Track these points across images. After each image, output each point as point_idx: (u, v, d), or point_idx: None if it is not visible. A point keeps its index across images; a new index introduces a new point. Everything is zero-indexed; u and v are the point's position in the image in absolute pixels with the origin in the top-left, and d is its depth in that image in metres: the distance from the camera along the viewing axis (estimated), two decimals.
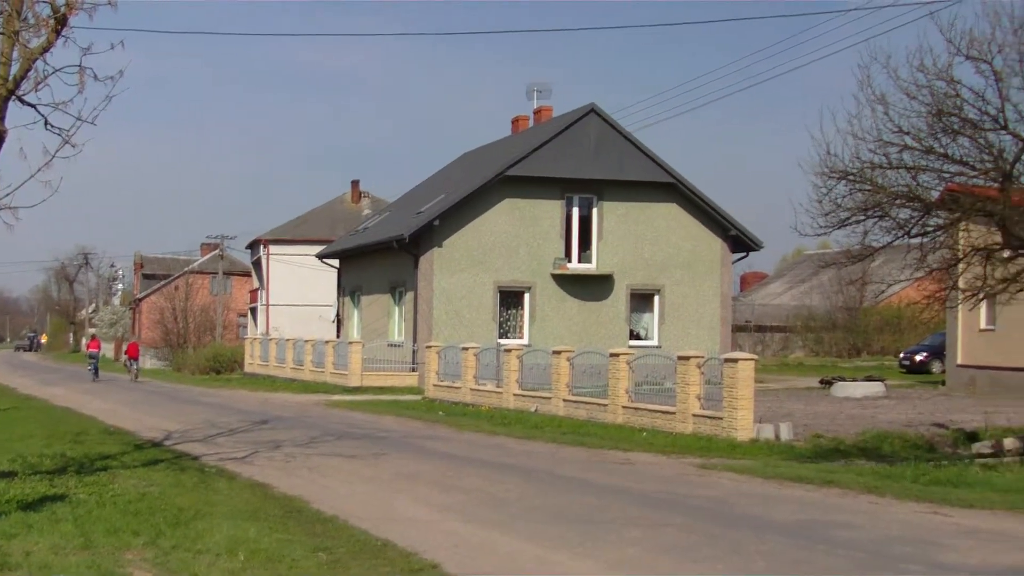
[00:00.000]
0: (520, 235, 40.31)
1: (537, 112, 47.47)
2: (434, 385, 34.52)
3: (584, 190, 40.82)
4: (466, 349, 32.75)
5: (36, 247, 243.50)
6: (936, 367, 44.46)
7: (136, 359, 55.04)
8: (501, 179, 39.86)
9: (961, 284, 18.76)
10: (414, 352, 40.01)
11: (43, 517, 11.98)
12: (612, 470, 18.04)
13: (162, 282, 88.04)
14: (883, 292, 55.38)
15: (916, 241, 18.00)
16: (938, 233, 17.99)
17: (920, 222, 17.52)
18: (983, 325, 34.71)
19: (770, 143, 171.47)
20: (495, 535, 12.05)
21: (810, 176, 17.75)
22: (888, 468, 17.46)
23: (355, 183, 75.86)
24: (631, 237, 41.29)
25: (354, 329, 47.55)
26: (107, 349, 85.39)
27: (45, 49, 13.55)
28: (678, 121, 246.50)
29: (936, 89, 16.58)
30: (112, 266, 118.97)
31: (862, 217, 17.55)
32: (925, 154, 16.93)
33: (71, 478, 15.30)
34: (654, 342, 40.29)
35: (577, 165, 40.18)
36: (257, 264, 75.44)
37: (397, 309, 43.07)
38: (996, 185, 16.79)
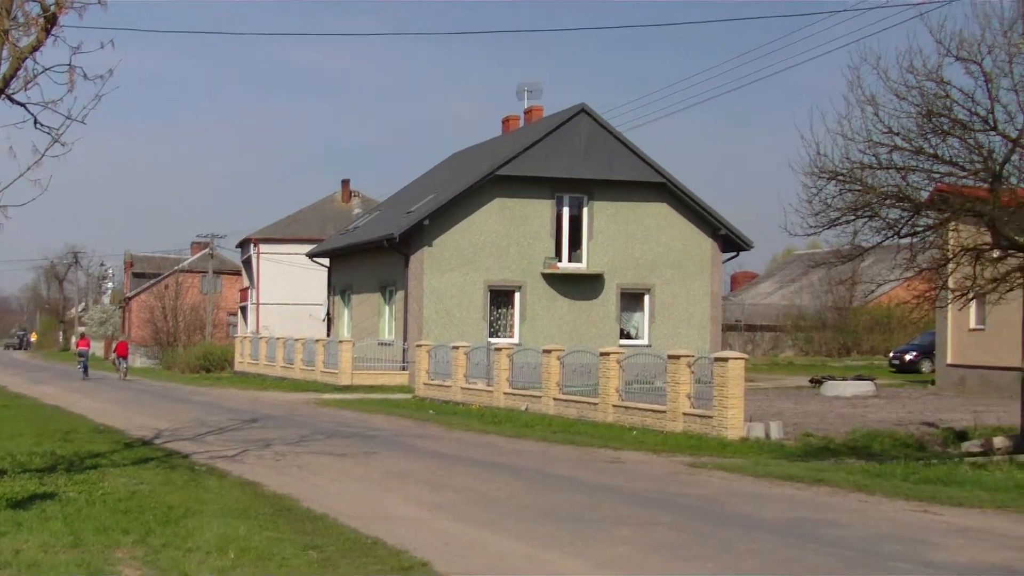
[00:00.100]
0: (510, 234, 40.31)
1: (527, 112, 47.46)
2: (424, 384, 34.51)
3: (574, 190, 40.85)
4: (457, 348, 32.75)
5: (26, 246, 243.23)
6: (926, 366, 44.57)
7: (125, 358, 54.93)
8: (491, 179, 39.86)
9: (951, 284, 18.82)
10: (404, 351, 40.00)
11: (33, 515, 11.95)
12: (602, 469, 18.05)
13: (152, 281, 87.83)
14: (873, 292, 55.53)
15: (906, 241, 18.07)
16: (928, 233, 18.05)
17: (910, 222, 17.57)
18: (972, 325, 34.78)
19: (760, 143, 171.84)
20: (485, 534, 12.06)
21: (800, 176, 17.84)
22: (878, 467, 17.50)
23: (345, 182, 75.88)
24: (621, 237, 41.32)
25: (344, 328, 47.52)
26: (97, 348, 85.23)
27: (35, 48, 13.53)
28: (669, 121, 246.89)
29: (926, 90, 16.65)
30: (102, 265, 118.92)
31: (852, 217, 17.60)
32: (915, 154, 16.98)
33: (61, 476, 15.26)
34: (644, 341, 40.31)
35: (567, 165, 40.20)
36: (247, 263, 75.35)
37: (387, 308, 43.05)
38: (985, 185, 16.84)
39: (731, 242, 42.70)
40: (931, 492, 14.78)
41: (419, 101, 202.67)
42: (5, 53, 13.47)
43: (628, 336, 41.08)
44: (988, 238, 17.46)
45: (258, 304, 71.13)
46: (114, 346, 64.82)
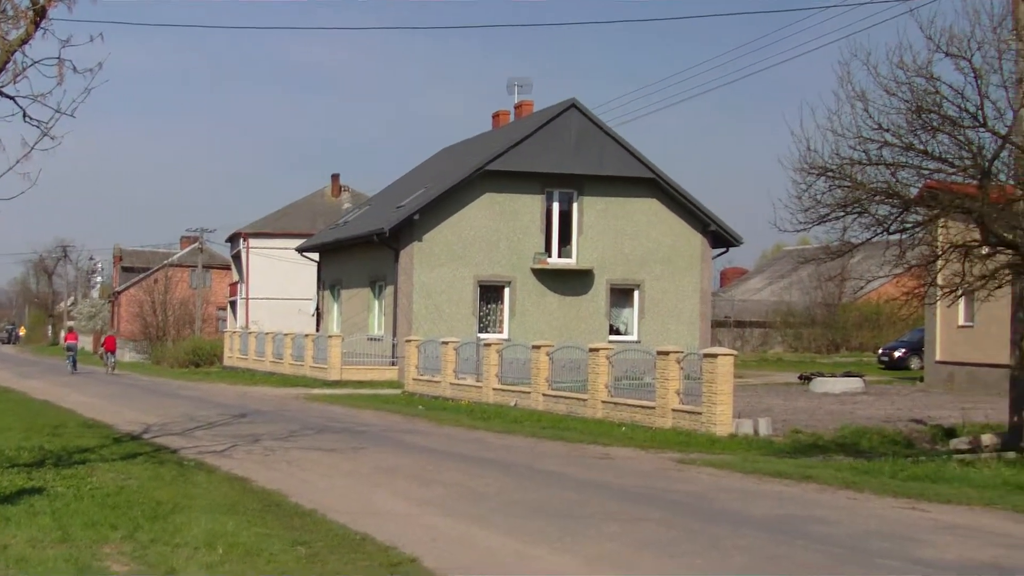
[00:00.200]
0: (500, 230, 40.30)
1: (518, 107, 47.49)
2: (414, 379, 34.51)
3: (564, 185, 40.86)
4: (446, 343, 32.75)
5: (14, 239, 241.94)
6: (915, 363, 44.68)
7: (113, 352, 54.83)
8: (481, 174, 39.85)
9: (940, 280, 18.84)
10: (394, 346, 39.97)
11: (21, 510, 11.92)
12: (591, 465, 18.07)
13: (141, 275, 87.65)
14: (862, 288, 55.64)
15: (895, 238, 18.09)
16: (917, 230, 18.08)
17: (899, 219, 17.59)
18: (961, 321, 34.87)
19: (750, 139, 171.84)
20: (474, 529, 12.06)
21: (790, 172, 17.83)
22: (866, 464, 17.54)
23: (335, 177, 75.81)
24: (611, 232, 41.33)
25: (334, 323, 47.46)
26: (86, 342, 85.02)
27: (24, 41, 13.49)
28: (658, 116, 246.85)
29: (916, 86, 16.67)
30: (91, 259, 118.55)
31: (841, 213, 17.61)
32: (904, 151, 17.01)
33: (49, 471, 15.22)
34: (634, 337, 40.34)
35: (557, 160, 40.21)
36: (237, 257, 75.21)
37: (377, 303, 43.01)
38: (975, 182, 16.87)
39: (721, 238, 42.75)
40: (919, 489, 14.81)
41: (409, 96, 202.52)
42: None
43: (617, 332, 41.09)
44: (977, 235, 17.49)
45: (247, 299, 70.99)
46: (102, 340, 64.69)
